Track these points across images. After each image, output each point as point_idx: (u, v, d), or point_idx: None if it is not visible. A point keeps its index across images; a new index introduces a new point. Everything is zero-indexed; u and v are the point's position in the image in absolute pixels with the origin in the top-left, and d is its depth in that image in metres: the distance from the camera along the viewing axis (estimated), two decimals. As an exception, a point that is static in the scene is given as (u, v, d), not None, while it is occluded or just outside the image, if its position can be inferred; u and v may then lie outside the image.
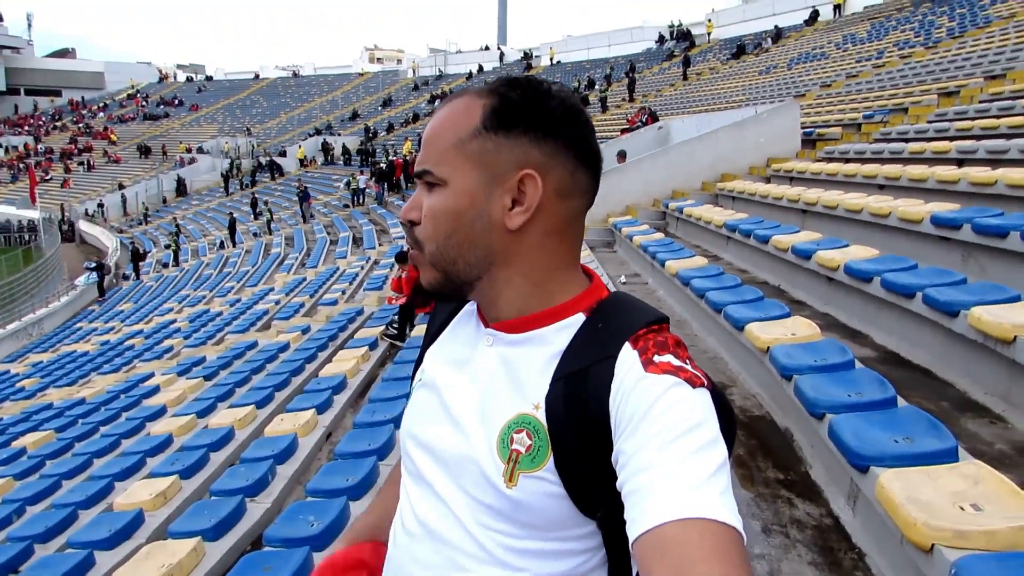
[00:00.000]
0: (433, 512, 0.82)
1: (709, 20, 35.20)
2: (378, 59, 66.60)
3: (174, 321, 13.77)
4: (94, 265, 21.69)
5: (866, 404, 2.76)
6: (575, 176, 0.81)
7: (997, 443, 2.86)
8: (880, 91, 13.06)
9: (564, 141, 0.80)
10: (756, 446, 3.36)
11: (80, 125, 52.97)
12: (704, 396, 0.72)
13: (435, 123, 0.82)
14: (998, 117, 7.89)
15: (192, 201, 34.53)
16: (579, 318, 0.81)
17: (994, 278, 4.12)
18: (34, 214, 31.59)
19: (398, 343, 7.38)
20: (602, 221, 10.37)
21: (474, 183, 0.79)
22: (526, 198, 0.79)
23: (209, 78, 65.22)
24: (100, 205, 34.88)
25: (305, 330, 8.99)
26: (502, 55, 48.31)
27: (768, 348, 3.59)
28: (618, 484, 0.71)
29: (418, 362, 0.97)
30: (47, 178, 41.37)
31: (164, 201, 35.43)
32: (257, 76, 61.48)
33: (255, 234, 23.78)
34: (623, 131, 16.88)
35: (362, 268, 14.03)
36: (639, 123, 17.20)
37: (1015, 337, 3.00)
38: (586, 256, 8.48)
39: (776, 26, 29.74)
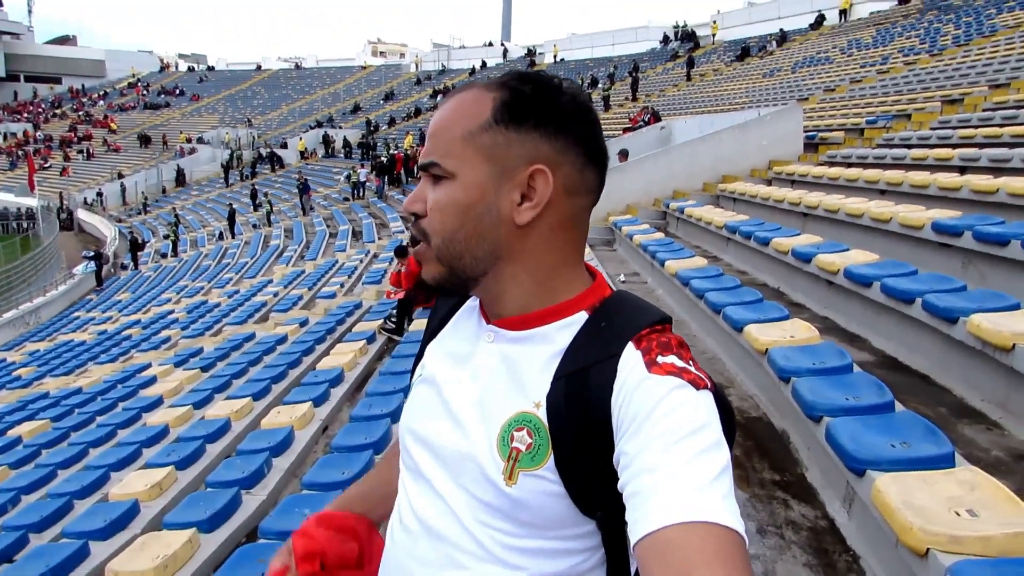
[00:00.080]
0: (432, 509, 0.82)
1: (714, 21, 35.20)
2: (381, 53, 66.50)
3: (172, 312, 13.75)
4: (92, 254, 21.68)
5: (864, 408, 2.77)
6: (583, 173, 0.81)
7: (993, 450, 2.87)
8: (884, 97, 13.07)
9: (574, 137, 0.79)
10: (752, 447, 3.36)
11: (80, 113, 52.82)
12: (707, 398, 0.71)
13: (443, 115, 0.81)
14: (1001, 126, 7.89)
15: (192, 191, 34.47)
16: (582, 316, 0.81)
17: (994, 286, 4.13)
18: (32, 202, 31.51)
19: (396, 337, 7.37)
20: (602, 220, 10.37)
21: (483, 177, 0.78)
22: (536, 194, 0.78)
23: (211, 68, 65.04)
24: (99, 194, 34.80)
25: (303, 323, 8.98)
26: (506, 51, 48.24)
27: (766, 350, 3.60)
28: (619, 485, 0.70)
29: (418, 357, 0.97)
30: (46, 166, 41.25)
31: (163, 191, 35.36)
32: (259, 67, 61.36)
33: (254, 226, 23.76)
34: (625, 130, 16.88)
35: (361, 262, 14.01)
36: (641, 122, 17.20)
37: (1014, 345, 3.01)
38: (586, 254, 8.46)
39: (781, 29, 29.70)
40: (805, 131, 11.49)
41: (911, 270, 4.44)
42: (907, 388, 3.52)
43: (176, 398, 6.72)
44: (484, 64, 45.14)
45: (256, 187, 28.26)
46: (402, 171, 23.83)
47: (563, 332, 0.80)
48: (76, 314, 17.57)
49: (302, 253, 17.35)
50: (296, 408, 5.16)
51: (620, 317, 0.79)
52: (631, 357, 0.74)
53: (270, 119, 46.28)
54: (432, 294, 0.95)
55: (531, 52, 45.02)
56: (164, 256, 23.50)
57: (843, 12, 28.32)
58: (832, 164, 9.53)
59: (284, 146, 36.35)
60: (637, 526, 0.65)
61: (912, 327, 3.98)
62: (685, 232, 9.42)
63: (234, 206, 25.15)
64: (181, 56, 71.60)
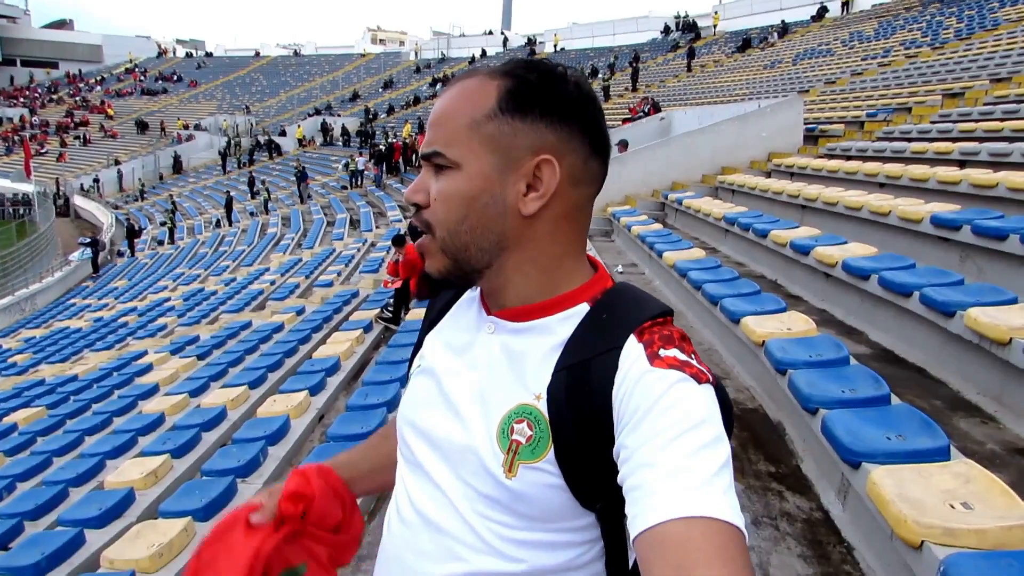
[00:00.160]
0: (431, 502, 0.82)
1: (716, 12, 35.07)
2: (380, 40, 66.27)
3: (168, 299, 13.72)
4: (88, 241, 21.60)
5: (860, 400, 2.77)
6: (587, 163, 0.80)
7: (988, 443, 2.87)
8: (885, 90, 13.04)
9: (579, 127, 0.78)
10: (748, 438, 3.37)
11: (77, 98, 52.52)
12: (709, 392, 0.71)
13: (446, 103, 0.80)
14: (1002, 120, 7.89)
15: (189, 178, 34.36)
16: (583, 308, 0.80)
17: (992, 280, 4.13)
18: (29, 188, 31.30)
19: (393, 326, 7.37)
20: (601, 210, 10.34)
21: (489, 167, 0.77)
22: (542, 184, 0.77)
23: (209, 54, 64.68)
24: (96, 180, 34.67)
25: (300, 311, 8.97)
26: (506, 40, 47.97)
27: (763, 342, 3.60)
28: (619, 478, 0.70)
29: (416, 347, 0.96)
30: (42, 151, 41.04)
31: (160, 178, 35.24)
32: (257, 54, 61.04)
33: (252, 213, 23.70)
34: (625, 120, 16.82)
35: (358, 250, 13.98)
36: (641, 113, 17.15)
37: (1011, 339, 3.01)
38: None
39: (783, 21, 29.62)
40: (805, 123, 11.47)
41: (909, 263, 4.44)
42: (903, 381, 3.52)
43: (172, 386, 6.71)
44: (484, 53, 44.93)
45: (254, 175, 28.17)
46: (400, 160, 23.77)
47: (564, 324, 0.79)
48: (72, 301, 17.52)
49: (299, 241, 17.31)
50: (292, 397, 5.16)
51: (622, 309, 0.79)
52: (633, 350, 0.74)
53: (268, 106, 46.07)
54: (436, 289, 0.94)
55: (531, 41, 44.83)
56: (161, 243, 23.45)
57: (845, 4, 28.26)
58: (832, 157, 9.51)
59: (283, 134, 36.22)
60: (637, 520, 0.64)
61: (909, 320, 3.98)
62: (683, 223, 9.41)
63: (231, 194, 25.08)
64: (179, 42, 71.32)
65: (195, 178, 34.15)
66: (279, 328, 8.15)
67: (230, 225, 22.87)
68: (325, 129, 34.88)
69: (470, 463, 0.78)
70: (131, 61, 61.42)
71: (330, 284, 11.24)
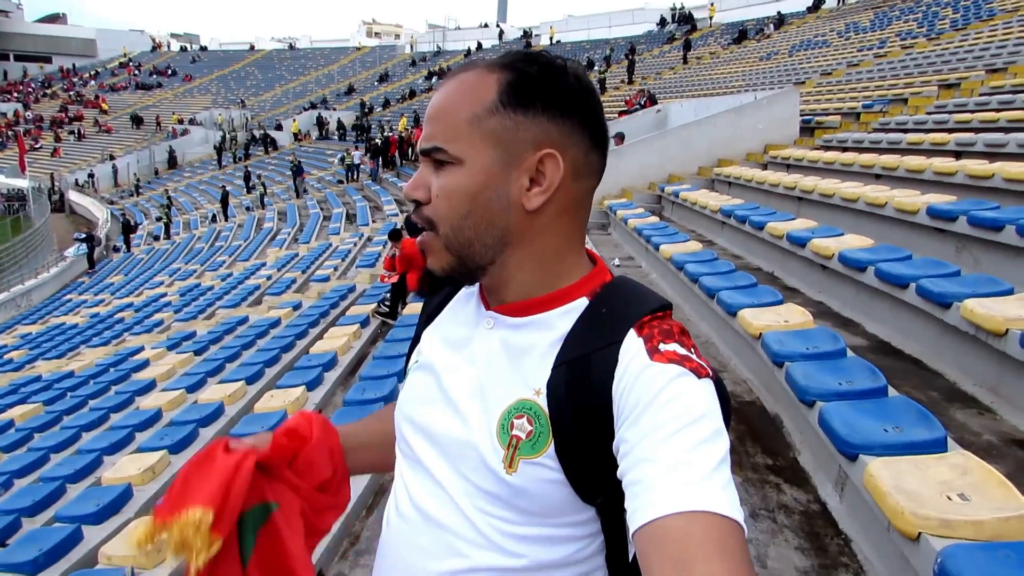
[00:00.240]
0: (431, 498, 0.81)
1: (711, 4, 34.90)
2: (376, 33, 65.89)
3: (165, 295, 13.69)
4: (84, 236, 21.52)
5: (857, 393, 2.77)
6: (588, 156, 0.79)
7: (985, 434, 2.88)
8: (881, 81, 13.02)
9: (580, 120, 0.78)
10: (745, 431, 3.37)
11: (71, 93, 52.24)
12: (709, 387, 0.71)
13: (444, 98, 0.78)
14: (998, 111, 7.88)
15: (184, 173, 34.22)
16: (582, 302, 0.79)
17: (988, 271, 4.14)
18: (23, 183, 31.21)
19: (390, 321, 7.36)
20: (597, 203, 10.32)
21: (491, 162, 0.76)
22: (545, 178, 0.76)
23: (203, 48, 64.33)
24: (90, 175, 34.51)
25: (296, 306, 8.96)
26: (501, 33, 47.80)
27: (760, 334, 3.60)
28: (619, 473, 0.69)
29: (414, 342, 0.95)
30: (36, 146, 40.87)
31: (156, 173, 35.11)
32: (252, 47, 60.71)
33: (248, 208, 23.63)
34: (621, 113, 16.80)
35: (355, 245, 13.96)
36: (637, 105, 17.12)
37: (1007, 330, 3.02)
38: (581, 239, 8.46)
39: (779, 12, 29.53)
40: (801, 115, 11.45)
41: (905, 255, 4.44)
42: (900, 373, 3.53)
43: (169, 382, 6.70)
44: (480, 46, 44.78)
45: (249, 169, 28.10)
46: (396, 154, 23.70)
47: (564, 318, 0.79)
48: (68, 297, 17.48)
49: (296, 236, 17.27)
50: (290, 392, 5.15)
51: (621, 303, 0.78)
52: (633, 344, 0.73)
53: (263, 100, 45.88)
54: (438, 286, 0.93)
55: (527, 34, 44.67)
56: (157, 238, 23.38)
57: (841, -5, 28.16)
58: (828, 148, 9.51)
59: (279, 128, 36.08)
60: (636, 515, 0.64)
61: (906, 312, 3.99)
62: (680, 216, 9.40)
63: (227, 188, 24.98)
64: (173, 36, 70.84)
65: (190, 173, 34.02)
66: (276, 323, 8.14)
67: (226, 220, 22.79)
68: (321, 123, 34.74)
69: (470, 459, 0.78)
70: (125, 55, 61.08)
71: (327, 279, 11.21)
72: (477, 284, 0.86)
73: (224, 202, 23.60)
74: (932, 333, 3.73)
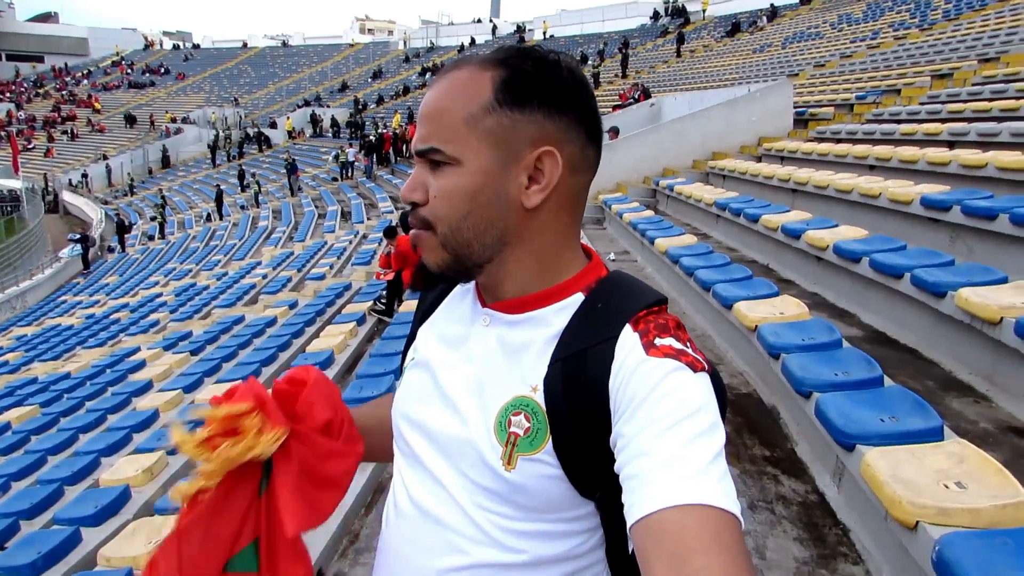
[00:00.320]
0: (430, 495, 0.81)
1: (704, -4, 34.88)
2: (369, 30, 65.74)
3: (160, 295, 13.66)
4: (78, 237, 21.46)
5: (853, 383, 2.78)
6: (585, 151, 0.79)
7: (981, 422, 2.89)
8: (874, 72, 13.03)
9: (577, 115, 0.77)
10: (743, 423, 3.38)
11: (63, 92, 51.96)
12: (704, 381, 0.71)
13: (438, 97, 0.77)
14: (990, 100, 7.89)
15: (178, 172, 34.10)
16: (578, 298, 0.79)
17: (982, 259, 4.15)
18: (17, 184, 31.01)
19: (386, 318, 7.35)
20: (592, 198, 10.26)
21: (489, 161, 0.75)
22: (544, 176, 0.76)
23: (196, 46, 64.05)
24: (84, 175, 34.34)
25: (292, 305, 8.94)
26: (495, 28, 47.64)
27: (756, 327, 3.61)
28: (616, 467, 0.70)
29: (409, 339, 0.95)
30: (29, 147, 40.65)
31: (150, 172, 34.94)
32: (245, 45, 60.45)
33: (242, 207, 23.53)
34: (615, 107, 16.77)
35: (350, 242, 13.94)
36: (631, 99, 17.11)
37: (1001, 318, 3.03)
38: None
39: (772, 4, 29.46)
40: (795, 107, 11.46)
41: (900, 245, 4.45)
42: (896, 362, 3.54)
43: (166, 382, 6.69)
44: (473, 41, 44.64)
45: (243, 167, 27.99)
46: (391, 150, 23.63)
47: (560, 315, 0.79)
48: (63, 298, 17.43)
49: (291, 234, 17.24)
50: (287, 390, 5.13)
51: (617, 298, 0.78)
52: (629, 339, 0.73)
53: (257, 98, 45.68)
54: (432, 281, 0.92)
55: (520, 29, 44.55)
56: (151, 238, 23.31)
57: (833, -14, 28.11)
58: (822, 140, 9.52)
59: (273, 125, 35.94)
60: (633, 509, 0.64)
61: (901, 302, 4.00)
62: (675, 209, 9.41)
63: (221, 187, 24.93)
64: (166, 34, 70.58)
65: (184, 172, 33.89)
66: (272, 322, 8.13)
67: (221, 219, 22.72)
68: (315, 120, 34.64)
69: (468, 456, 0.78)
70: (118, 54, 60.75)
71: (322, 277, 11.20)
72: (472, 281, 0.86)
73: (219, 201, 23.53)
74: (927, 322, 3.74)
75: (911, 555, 1.94)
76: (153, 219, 24.78)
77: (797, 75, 15.63)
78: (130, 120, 42.42)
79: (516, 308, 0.81)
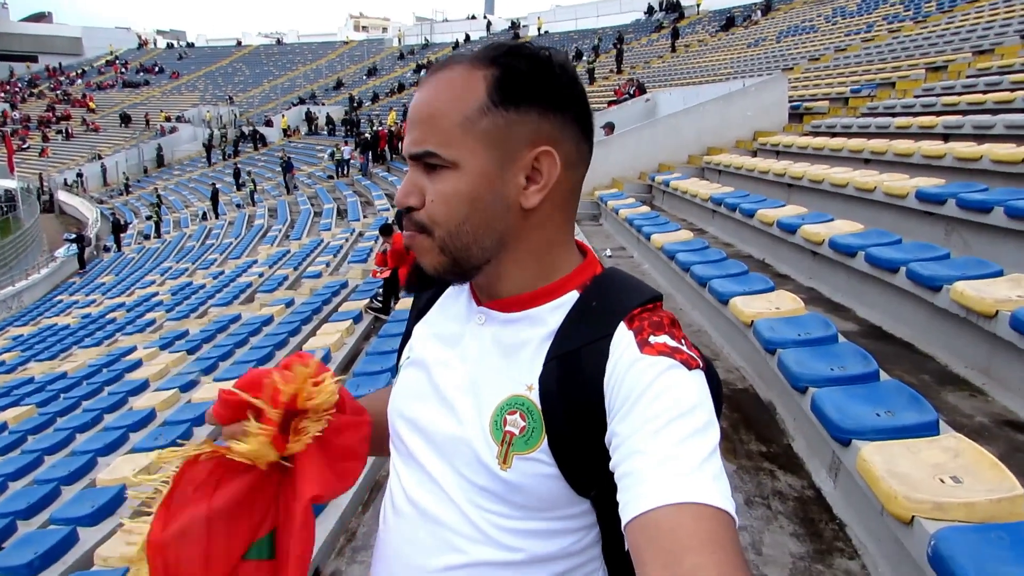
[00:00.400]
0: (427, 494, 0.81)
1: (698, -9, 34.83)
2: (363, 27, 65.55)
3: (156, 294, 13.63)
4: (74, 237, 21.39)
5: (849, 378, 2.78)
6: (579, 147, 0.79)
7: (977, 416, 2.90)
8: (868, 65, 13.03)
9: (572, 113, 0.77)
10: (739, 419, 3.38)
11: (58, 92, 51.76)
12: (699, 378, 0.71)
13: (430, 98, 0.75)
14: (985, 92, 7.90)
15: (173, 171, 33.99)
16: (573, 296, 0.79)
17: (977, 253, 4.16)
18: (12, 184, 30.93)
19: (383, 316, 7.34)
20: (588, 194, 10.32)
21: (487, 163, 0.74)
22: (542, 175, 0.76)
23: (190, 45, 63.81)
24: (79, 175, 34.17)
25: (289, 303, 8.93)
26: (489, 24, 47.58)
27: (752, 322, 3.61)
28: (611, 465, 0.70)
29: (405, 338, 0.95)
30: (24, 147, 40.50)
31: (145, 171, 34.82)
32: (239, 43, 60.22)
33: (238, 205, 23.47)
34: (610, 103, 16.75)
35: (346, 240, 13.91)
36: (627, 95, 17.09)
37: (997, 312, 3.03)
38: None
39: (765, -2, 29.45)
40: (790, 101, 11.46)
41: (895, 239, 4.46)
42: (891, 357, 3.55)
43: (162, 381, 6.68)
44: (468, 38, 44.54)
45: (239, 166, 27.90)
46: (386, 148, 23.59)
47: (555, 313, 0.78)
48: (59, 298, 17.37)
49: (287, 233, 17.20)
50: (284, 389, 5.12)
51: (611, 296, 0.78)
52: (623, 337, 0.73)
53: (252, 96, 45.55)
54: (427, 281, 0.92)
55: (515, 25, 44.47)
56: (147, 238, 23.24)
57: (828, -20, 28.08)
58: (817, 134, 9.52)
59: (268, 124, 35.84)
60: (628, 507, 0.65)
61: (896, 296, 4.00)
62: (671, 205, 9.41)
63: (217, 186, 24.84)
64: (160, 32, 70.32)
65: (180, 171, 33.79)
66: (268, 321, 8.12)
67: (216, 218, 22.66)
68: (310, 118, 34.55)
69: (464, 455, 0.78)
70: (112, 53, 60.51)
71: (319, 275, 11.18)
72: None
73: (214, 200, 23.47)
74: (923, 316, 3.75)
75: (907, 549, 1.95)
76: (149, 218, 24.69)
77: (792, 69, 15.63)
78: (125, 119, 42.27)
79: (511, 307, 0.80)
